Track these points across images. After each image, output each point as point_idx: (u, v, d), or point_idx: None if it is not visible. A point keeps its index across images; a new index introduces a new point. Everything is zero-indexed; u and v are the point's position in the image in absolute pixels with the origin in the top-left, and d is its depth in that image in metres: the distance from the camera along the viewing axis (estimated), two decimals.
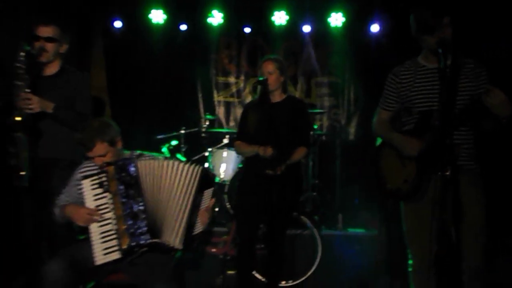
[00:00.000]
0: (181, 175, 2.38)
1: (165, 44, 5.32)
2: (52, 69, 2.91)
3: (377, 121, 2.59)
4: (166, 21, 5.28)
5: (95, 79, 4.99)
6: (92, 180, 2.38)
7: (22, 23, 3.15)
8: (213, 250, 3.68)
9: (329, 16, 5.19)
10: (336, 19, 5.19)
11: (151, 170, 2.39)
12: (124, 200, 2.31)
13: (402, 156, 2.38)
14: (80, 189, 2.39)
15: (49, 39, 2.82)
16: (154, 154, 2.69)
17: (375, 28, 5.13)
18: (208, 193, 2.49)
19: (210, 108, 5.47)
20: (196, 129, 4.74)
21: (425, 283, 2.40)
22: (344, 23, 5.20)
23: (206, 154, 4.51)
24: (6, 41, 3.18)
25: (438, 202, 2.06)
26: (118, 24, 5.25)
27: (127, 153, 2.59)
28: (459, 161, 2.22)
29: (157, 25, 5.27)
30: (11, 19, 3.82)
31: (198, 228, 2.45)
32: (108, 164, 2.39)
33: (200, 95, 5.52)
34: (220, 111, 5.57)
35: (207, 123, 4.77)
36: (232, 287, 3.37)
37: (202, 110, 5.47)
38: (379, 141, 2.62)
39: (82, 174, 2.42)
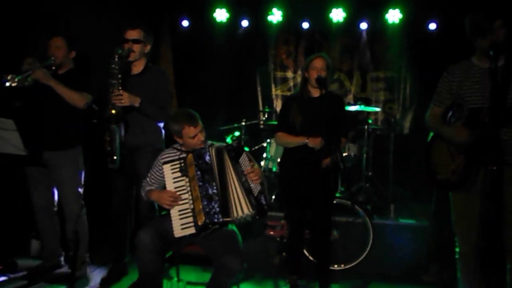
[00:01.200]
0: (215, 158, 2.71)
1: (228, 41, 5.66)
2: (138, 68, 3.32)
3: (430, 115, 2.76)
4: (229, 19, 5.61)
5: None
6: (172, 165, 2.75)
7: (115, 27, 3.59)
8: (271, 233, 3.99)
9: (386, 12, 5.29)
10: (394, 16, 5.28)
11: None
12: (200, 183, 2.66)
13: (452, 148, 2.55)
14: (162, 172, 2.78)
15: (135, 41, 3.24)
16: (222, 143, 3.03)
17: (432, 25, 5.17)
18: (243, 159, 2.75)
19: (268, 101, 5.76)
20: (256, 121, 5.06)
21: (471, 270, 2.56)
22: (401, 20, 5.29)
23: (265, 144, 4.81)
24: (101, 44, 3.64)
25: (485, 194, 2.24)
26: (185, 23, 5.67)
27: None
28: (505, 156, 2.37)
29: (221, 23, 5.63)
30: (106, 24, 4.33)
31: (256, 189, 2.72)
32: (187, 152, 2.77)
33: (259, 89, 5.83)
34: (278, 105, 5.83)
35: (266, 115, 5.07)
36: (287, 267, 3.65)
37: (260, 103, 5.79)
38: (431, 135, 2.80)
39: (163, 160, 2.80)
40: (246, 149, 4.71)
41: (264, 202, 2.72)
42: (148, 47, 3.34)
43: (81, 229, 3.34)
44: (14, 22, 4.15)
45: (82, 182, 3.43)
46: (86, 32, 4.23)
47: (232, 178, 2.70)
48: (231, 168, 2.71)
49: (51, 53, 3.31)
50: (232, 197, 2.67)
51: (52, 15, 4.23)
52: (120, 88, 3.05)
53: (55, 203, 3.52)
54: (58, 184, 3.41)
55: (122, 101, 3.05)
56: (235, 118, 5.04)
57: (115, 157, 3.06)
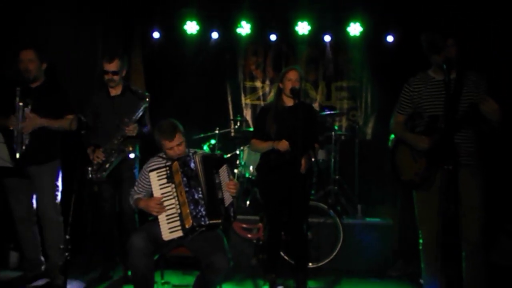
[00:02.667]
0: (201, 165, 2.89)
1: (199, 52, 5.83)
2: (117, 90, 3.62)
3: (394, 123, 3.07)
4: (199, 32, 5.78)
5: (134, 84, 5.54)
6: (158, 173, 2.90)
7: (89, 39, 3.77)
8: (248, 236, 4.20)
9: (348, 26, 5.62)
10: (355, 29, 5.62)
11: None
12: (187, 189, 2.82)
13: (414, 152, 2.87)
14: (148, 180, 2.93)
15: (115, 73, 3.54)
16: (205, 151, 3.23)
17: (390, 37, 5.57)
18: (223, 170, 2.94)
19: (239, 110, 5.97)
20: (229, 129, 5.25)
21: (433, 259, 2.86)
22: (361, 33, 5.64)
23: (237, 152, 5.00)
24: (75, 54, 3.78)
25: (443, 191, 2.55)
26: (156, 35, 5.79)
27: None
28: (459, 157, 2.69)
29: (191, 35, 5.79)
30: (82, 36, 4.44)
31: (228, 200, 2.92)
32: (172, 159, 2.93)
33: (229, 98, 6.02)
34: (247, 113, 6.05)
35: (238, 124, 5.27)
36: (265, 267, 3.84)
37: (231, 112, 5.99)
38: (391, 137, 3.11)
39: (150, 168, 2.95)
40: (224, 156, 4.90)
41: (231, 214, 2.93)
42: (125, 71, 3.65)
43: (60, 238, 3.40)
44: None
45: (60, 191, 3.51)
46: (60, 43, 4.32)
47: (212, 184, 2.88)
48: (211, 176, 2.90)
49: (24, 67, 3.36)
50: (211, 201, 2.85)
51: (30, 28, 4.27)
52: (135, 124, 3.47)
53: (35, 213, 3.56)
54: (38, 193, 3.47)
55: (132, 133, 3.45)
56: (208, 127, 5.19)
57: (107, 166, 3.24)
